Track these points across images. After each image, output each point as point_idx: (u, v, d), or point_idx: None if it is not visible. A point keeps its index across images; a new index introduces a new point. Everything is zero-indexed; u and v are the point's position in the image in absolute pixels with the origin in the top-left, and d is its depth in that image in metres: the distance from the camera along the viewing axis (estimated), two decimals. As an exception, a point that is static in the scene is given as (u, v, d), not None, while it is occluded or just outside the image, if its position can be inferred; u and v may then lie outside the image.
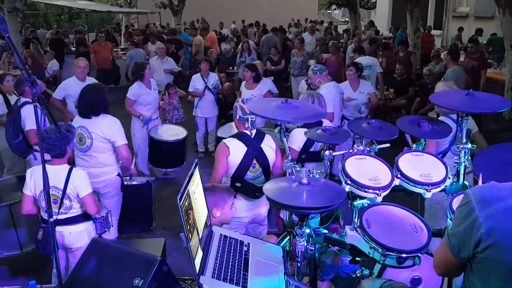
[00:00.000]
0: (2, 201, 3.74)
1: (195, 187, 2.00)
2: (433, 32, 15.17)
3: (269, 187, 1.91)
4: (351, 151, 2.32)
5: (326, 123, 3.78)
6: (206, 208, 2.13)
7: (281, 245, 2.20)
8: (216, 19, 19.83)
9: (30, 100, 3.90)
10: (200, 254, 1.79)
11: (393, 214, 2.10)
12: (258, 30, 16.82)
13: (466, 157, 2.38)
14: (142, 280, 2.05)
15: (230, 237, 2.07)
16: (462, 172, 2.32)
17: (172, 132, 5.91)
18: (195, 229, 1.79)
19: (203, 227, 1.94)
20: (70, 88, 5.48)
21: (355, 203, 2.15)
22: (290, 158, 2.14)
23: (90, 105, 3.84)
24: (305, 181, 1.91)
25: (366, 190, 2.11)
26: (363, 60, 7.58)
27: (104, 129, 3.83)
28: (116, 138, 3.87)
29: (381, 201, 2.14)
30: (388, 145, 2.47)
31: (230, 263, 1.88)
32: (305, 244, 1.98)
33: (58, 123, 3.10)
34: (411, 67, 9.51)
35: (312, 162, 3.66)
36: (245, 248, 2.01)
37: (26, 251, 3.80)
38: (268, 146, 3.31)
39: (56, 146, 3.06)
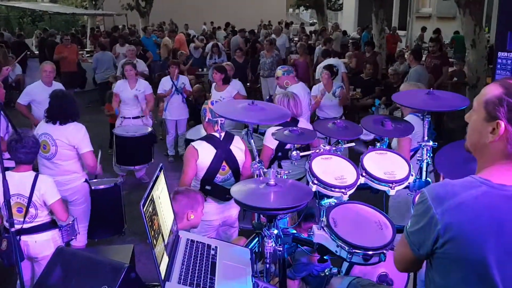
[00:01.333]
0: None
1: (160, 192, 1.99)
2: (398, 32, 15.52)
3: (236, 189, 1.92)
4: (317, 151, 2.35)
5: (303, 123, 3.82)
6: (172, 213, 2.12)
7: (249, 247, 2.21)
8: (184, 21, 19.68)
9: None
10: (166, 259, 1.77)
11: (359, 212, 2.14)
12: (227, 31, 16.84)
13: (429, 155, 2.45)
14: (110, 288, 2.03)
15: (197, 241, 2.06)
16: (424, 169, 2.39)
17: (137, 129, 5.89)
18: (160, 235, 1.78)
19: (169, 233, 1.93)
20: (36, 93, 5.35)
21: (322, 202, 2.18)
22: (257, 160, 2.15)
23: (63, 112, 3.77)
24: (272, 182, 1.92)
25: (333, 189, 2.15)
26: (328, 61, 7.71)
27: (69, 136, 3.76)
28: (81, 145, 3.80)
29: (347, 200, 2.18)
30: (353, 144, 2.52)
31: (197, 268, 1.87)
32: (274, 245, 1.99)
33: (19, 129, 3.03)
34: (377, 67, 9.72)
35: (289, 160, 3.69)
36: (212, 252, 2.00)
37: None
38: (237, 147, 3.31)
39: (33, 153, 3.02)
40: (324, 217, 2.06)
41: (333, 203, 2.17)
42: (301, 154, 2.42)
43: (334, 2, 25.12)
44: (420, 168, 2.41)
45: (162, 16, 21.72)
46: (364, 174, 2.26)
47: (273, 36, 12.34)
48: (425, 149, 2.42)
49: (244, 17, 23.35)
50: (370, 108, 8.57)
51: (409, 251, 1.44)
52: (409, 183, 2.30)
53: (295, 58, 9.84)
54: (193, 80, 10.45)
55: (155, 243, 1.66)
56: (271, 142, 3.64)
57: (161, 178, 2.07)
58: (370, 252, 1.91)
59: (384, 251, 1.93)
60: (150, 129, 5.91)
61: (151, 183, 1.88)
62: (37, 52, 14.01)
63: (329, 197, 2.19)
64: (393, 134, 2.58)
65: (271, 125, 3.60)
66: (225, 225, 3.44)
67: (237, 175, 3.33)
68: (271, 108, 2.14)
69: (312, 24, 29.52)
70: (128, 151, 5.71)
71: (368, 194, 2.38)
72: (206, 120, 3.33)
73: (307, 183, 2.19)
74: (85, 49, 15.30)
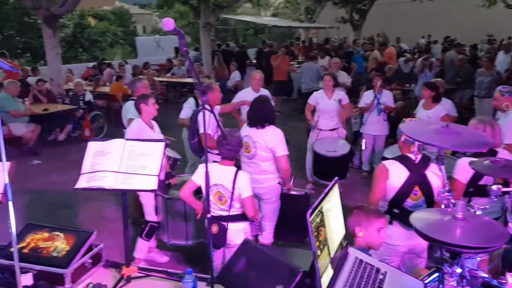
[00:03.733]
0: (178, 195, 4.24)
1: (331, 205, 1.99)
2: None
3: (417, 217, 1.80)
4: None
5: (503, 154, 3.37)
6: (343, 228, 2.11)
7: (427, 281, 2.05)
8: (398, 34, 19.08)
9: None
10: (329, 273, 1.77)
11: None
12: (443, 45, 15.77)
13: None
14: (284, 289, 2.11)
15: (366, 262, 2.00)
16: None
17: (335, 146, 5.93)
18: (326, 247, 1.79)
19: (337, 247, 1.92)
20: (244, 97, 5.90)
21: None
22: (447, 189, 1.98)
23: (258, 116, 4.11)
24: (459, 215, 1.75)
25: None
26: None
27: (267, 139, 4.05)
28: (277, 148, 4.04)
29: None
30: None
31: (361, 289, 1.82)
32: (455, 284, 1.81)
33: (224, 129, 3.41)
34: None
35: (482, 197, 3.28)
36: (380, 276, 1.91)
37: (192, 243, 4.18)
38: (434, 173, 3.09)
39: (235, 151, 3.40)
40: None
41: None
42: (504, 189, 2.14)
43: None
44: None
45: (375, 29, 21.60)
46: None
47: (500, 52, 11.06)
48: None
49: (468, 31, 21.35)
50: None
51: None
52: None
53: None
54: (399, 95, 10.13)
55: (319, 253, 1.67)
56: (462, 175, 3.25)
57: (335, 191, 2.07)
58: None
59: None
60: (349, 146, 5.92)
61: (323, 195, 1.90)
62: (255, 61, 15.52)
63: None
64: None
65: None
66: (412, 253, 3.24)
67: (430, 202, 3.10)
68: (468, 133, 1.93)
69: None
70: (326, 168, 5.84)
71: None
72: (402, 139, 3.19)
73: (505, 223, 1.92)
74: (296, 60, 16.28)
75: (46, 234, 2.68)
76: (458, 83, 10.57)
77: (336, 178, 2.16)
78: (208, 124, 4.24)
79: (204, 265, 4.09)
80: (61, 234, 2.68)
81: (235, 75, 12.66)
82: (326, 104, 6.16)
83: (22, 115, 8.42)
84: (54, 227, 2.78)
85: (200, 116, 4.81)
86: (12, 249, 2.04)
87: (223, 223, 3.37)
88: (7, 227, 2.00)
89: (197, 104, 5.46)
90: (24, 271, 2.41)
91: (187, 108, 5.55)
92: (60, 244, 2.60)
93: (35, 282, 2.43)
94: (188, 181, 3.46)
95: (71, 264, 2.47)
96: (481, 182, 3.17)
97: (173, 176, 4.56)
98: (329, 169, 5.81)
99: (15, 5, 19.66)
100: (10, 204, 1.99)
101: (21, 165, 7.62)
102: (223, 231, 3.35)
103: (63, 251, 2.54)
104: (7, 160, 2.04)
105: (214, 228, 3.32)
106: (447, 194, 1.98)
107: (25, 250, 2.56)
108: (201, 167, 3.39)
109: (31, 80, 10.64)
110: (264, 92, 6.04)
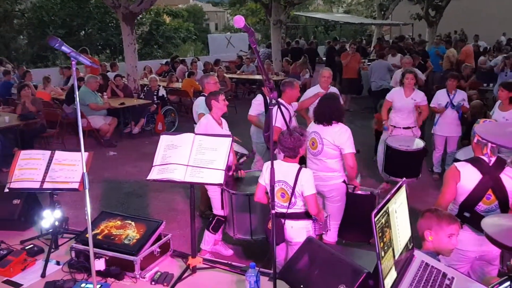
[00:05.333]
0: (244, 190, 4.32)
1: (398, 206, 1.94)
2: None
3: (490, 222, 1.72)
4: None
5: None
6: (410, 230, 2.05)
7: (494, 289, 1.94)
8: (478, 31, 18.06)
9: (280, 102, 4.46)
10: (393, 275, 1.73)
11: None
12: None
13: None
14: (346, 288, 2.09)
15: (432, 266, 1.93)
16: None
17: (409, 142, 5.78)
18: (391, 249, 1.75)
19: (403, 249, 1.87)
20: (309, 95, 5.89)
21: None
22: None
23: (324, 112, 4.07)
24: (537, 223, 1.65)
25: None
26: None
27: (335, 136, 4.01)
28: (345, 146, 3.99)
29: None
30: None
31: (426, 294, 1.76)
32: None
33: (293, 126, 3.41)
34: None
35: None
36: (447, 282, 1.84)
37: (256, 238, 4.23)
38: (510, 177, 2.92)
39: (290, 149, 3.37)
40: None
41: None
42: None
43: None
44: None
45: (452, 26, 20.56)
46: None
47: None
48: None
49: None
50: None
51: None
52: None
53: None
54: (476, 95, 9.61)
55: (383, 255, 1.64)
56: None
57: (402, 192, 2.02)
58: None
59: None
60: (423, 143, 5.73)
61: (389, 195, 1.86)
62: (325, 58, 15.35)
63: None
64: None
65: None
66: (483, 260, 3.10)
67: (504, 207, 2.95)
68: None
69: None
70: (399, 163, 5.67)
71: None
72: (475, 140, 3.05)
73: None
74: (368, 57, 15.90)
75: (119, 222, 2.84)
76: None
77: (404, 179, 2.10)
78: (277, 119, 4.33)
79: (267, 260, 4.13)
80: (133, 223, 2.84)
81: (305, 73, 12.62)
82: (403, 102, 5.99)
83: (101, 108, 8.95)
84: (126, 215, 2.94)
85: (273, 111, 4.91)
86: (87, 235, 2.18)
87: (282, 220, 3.37)
88: (84, 214, 2.14)
89: (265, 101, 5.51)
90: (97, 256, 2.57)
91: (256, 104, 5.63)
92: (131, 232, 2.75)
93: (107, 267, 2.58)
94: (257, 185, 3.54)
95: (141, 252, 2.60)
96: None
97: (241, 169, 4.66)
98: (400, 165, 5.63)
99: (97, 4, 20.88)
100: (87, 192, 2.12)
101: (98, 156, 8.14)
102: (281, 228, 3.37)
103: (134, 239, 2.68)
104: (85, 151, 2.18)
105: (270, 223, 3.35)
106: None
107: (99, 237, 2.73)
108: (265, 168, 3.45)
109: (110, 75, 11.25)
110: (333, 90, 5.98)
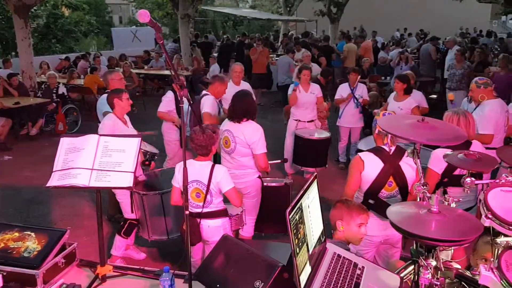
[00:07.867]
0: (156, 189, 4.19)
1: (310, 201, 1.98)
2: None
3: (394, 210, 1.81)
4: (497, 181, 2.07)
5: (476, 146, 3.43)
6: (321, 223, 2.10)
7: (403, 274, 2.07)
8: (375, 28, 19.30)
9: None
10: (308, 270, 1.77)
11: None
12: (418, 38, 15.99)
13: None
14: (262, 283, 2.10)
15: (343, 257, 2.00)
16: None
17: (315, 132, 6.12)
18: (305, 244, 1.78)
19: (316, 243, 1.92)
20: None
21: (498, 240, 1.91)
22: (422, 182, 2.00)
23: (237, 110, 4.06)
24: (435, 209, 1.77)
25: (511, 228, 1.86)
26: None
27: (247, 135, 4.00)
28: (256, 146, 3.99)
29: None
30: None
31: (339, 285, 1.81)
32: (430, 277, 1.83)
33: (204, 124, 3.35)
34: None
35: (456, 187, 3.33)
36: (358, 271, 1.92)
37: (172, 237, 4.14)
38: (408, 164, 3.14)
39: (202, 147, 3.31)
40: (496, 258, 1.81)
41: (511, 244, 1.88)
42: (477, 182, 2.17)
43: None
44: None
45: (352, 22, 21.72)
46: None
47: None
48: None
49: (442, 24, 21.75)
50: None
51: None
52: None
53: (495, 71, 8.84)
54: (375, 87, 10.26)
55: (298, 251, 1.66)
56: (437, 166, 3.32)
57: (314, 187, 2.06)
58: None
59: None
60: (328, 134, 6.08)
61: (302, 191, 1.89)
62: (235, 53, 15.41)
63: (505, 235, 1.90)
64: None
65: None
66: (386, 244, 3.30)
67: (404, 193, 3.17)
68: (444, 127, 1.95)
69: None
70: (309, 153, 5.93)
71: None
72: (376, 131, 3.25)
73: (478, 216, 1.95)
74: (275, 53, 16.25)
75: (16, 234, 2.59)
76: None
77: (315, 173, 2.15)
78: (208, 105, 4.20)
79: (183, 261, 4.05)
80: (33, 234, 2.60)
81: (214, 68, 12.56)
82: (304, 97, 6.24)
83: (-9, 109, 8.20)
84: (25, 226, 2.69)
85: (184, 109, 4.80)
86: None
87: (198, 219, 3.33)
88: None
89: (176, 97, 5.38)
90: (-7, 272, 2.34)
91: (166, 101, 5.49)
92: (31, 244, 2.52)
93: (5, 283, 2.35)
94: (172, 188, 3.44)
95: (43, 265, 2.40)
96: (456, 173, 3.23)
97: (149, 165, 4.52)
98: (310, 154, 5.91)
99: (-17, -6, 19.02)
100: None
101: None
102: (197, 228, 3.32)
103: (35, 251, 2.46)
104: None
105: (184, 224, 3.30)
106: (422, 187, 1.99)
107: (-6, 251, 2.48)
108: (177, 169, 3.37)
109: (2, 72, 10.33)
110: (245, 85, 6.01)
